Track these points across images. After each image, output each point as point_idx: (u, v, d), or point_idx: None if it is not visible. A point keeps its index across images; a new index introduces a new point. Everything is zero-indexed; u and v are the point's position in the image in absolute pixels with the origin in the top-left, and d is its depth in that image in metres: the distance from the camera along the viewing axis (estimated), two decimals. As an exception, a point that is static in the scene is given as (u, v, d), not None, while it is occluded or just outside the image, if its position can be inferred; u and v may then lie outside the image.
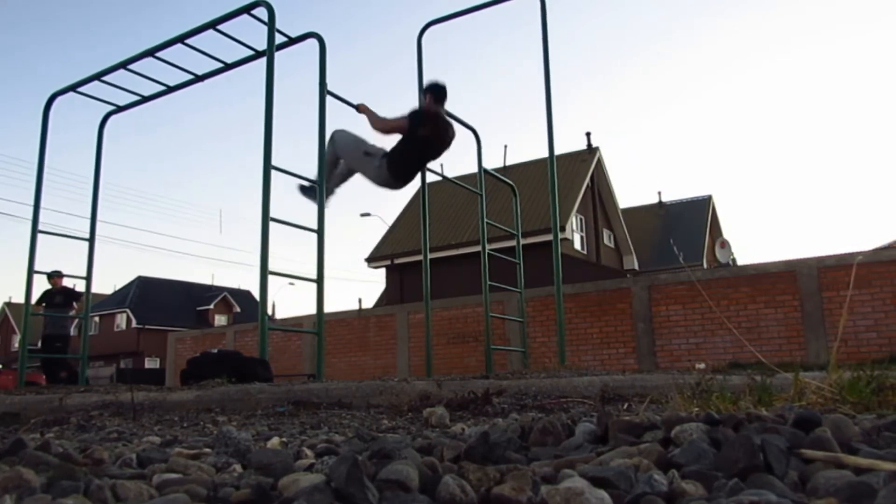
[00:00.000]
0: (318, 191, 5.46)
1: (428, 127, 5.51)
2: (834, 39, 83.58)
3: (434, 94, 5.70)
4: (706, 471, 0.88)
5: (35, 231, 6.90)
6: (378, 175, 5.56)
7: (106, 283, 56.43)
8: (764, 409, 1.39)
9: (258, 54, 6.38)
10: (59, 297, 10.18)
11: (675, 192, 72.64)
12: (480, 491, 0.85)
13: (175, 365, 16.73)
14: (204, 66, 6.84)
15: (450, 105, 6.80)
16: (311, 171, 5.53)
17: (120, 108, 7.51)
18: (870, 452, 0.95)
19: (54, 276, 10.02)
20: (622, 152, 62.44)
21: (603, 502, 0.76)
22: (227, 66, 6.75)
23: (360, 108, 5.72)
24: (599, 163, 23.43)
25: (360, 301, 35.92)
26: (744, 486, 0.81)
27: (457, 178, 11.88)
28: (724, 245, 17.72)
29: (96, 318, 41.50)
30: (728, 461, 0.90)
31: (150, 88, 7.13)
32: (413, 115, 5.49)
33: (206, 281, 49.89)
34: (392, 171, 5.52)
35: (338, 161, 5.74)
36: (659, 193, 32.17)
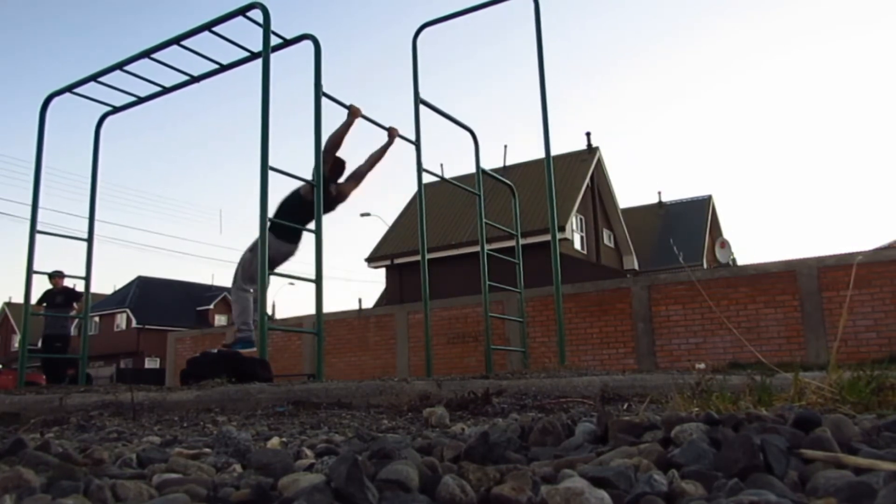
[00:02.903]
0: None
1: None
2: (833, 39, 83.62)
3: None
4: (706, 471, 0.88)
5: (34, 231, 6.89)
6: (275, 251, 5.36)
7: (106, 283, 56.27)
8: (764, 409, 1.39)
9: (254, 56, 6.38)
10: (60, 297, 10.20)
11: (675, 192, 72.65)
12: (480, 491, 0.85)
13: (175, 365, 16.73)
14: (200, 67, 6.84)
15: (447, 106, 6.81)
16: (309, 171, 5.52)
17: (116, 109, 7.50)
18: (870, 452, 0.95)
19: (55, 276, 10.04)
20: (622, 152, 62.48)
21: (603, 502, 0.76)
22: (223, 68, 6.75)
23: (353, 112, 5.74)
24: (599, 163, 23.45)
25: (359, 301, 35.90)
26: (744, 486, 0.81)
27: (456, 178, 11.90)
28: (724, 245, 17.71)
29: (96, 318, 41.51)
30: (728, 461, 0.90)
31: (146, 89, 7.12)
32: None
33: (206, 281, 49.92)
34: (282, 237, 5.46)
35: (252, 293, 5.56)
36: (659, 193, 32.25)
